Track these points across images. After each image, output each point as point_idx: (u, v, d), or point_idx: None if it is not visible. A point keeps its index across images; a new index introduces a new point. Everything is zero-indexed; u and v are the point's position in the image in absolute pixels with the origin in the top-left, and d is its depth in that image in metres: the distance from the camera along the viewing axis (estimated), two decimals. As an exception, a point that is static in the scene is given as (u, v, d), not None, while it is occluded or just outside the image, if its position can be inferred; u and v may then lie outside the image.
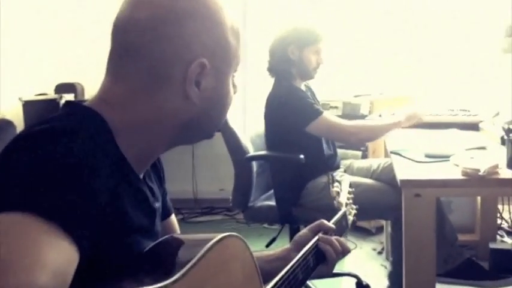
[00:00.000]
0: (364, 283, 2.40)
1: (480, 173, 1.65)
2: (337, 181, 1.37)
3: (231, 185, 2.45)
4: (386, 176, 2.34)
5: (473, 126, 2.57)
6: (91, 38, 3.78)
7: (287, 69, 2.40)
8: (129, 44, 0.80)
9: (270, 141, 2.44)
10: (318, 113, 2.29)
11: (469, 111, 2.79)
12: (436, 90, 3.41)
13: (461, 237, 2.79)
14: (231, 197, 2.46)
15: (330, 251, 1.09)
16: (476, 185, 1.68)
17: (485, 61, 3.31)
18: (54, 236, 0.55)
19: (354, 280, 2.45)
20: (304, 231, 1.16)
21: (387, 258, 2.76)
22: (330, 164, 2.42)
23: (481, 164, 1.69)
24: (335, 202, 1.30)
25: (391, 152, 2.15)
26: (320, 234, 1.11)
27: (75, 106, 0.81)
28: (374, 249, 3.09)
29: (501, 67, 3.24)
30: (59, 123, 0.72)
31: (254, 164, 2.35)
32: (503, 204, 3.02)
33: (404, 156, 2.02)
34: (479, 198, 2.93)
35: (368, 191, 2.20)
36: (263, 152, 2.35)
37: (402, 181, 1.69)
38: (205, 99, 0.82)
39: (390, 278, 2.39)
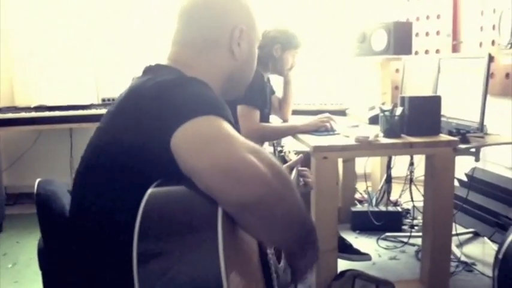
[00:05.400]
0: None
1: (369, 140, 2.21)
2: (281, 146, 1.78)
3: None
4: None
5: (340, 112, 3.20)
6: None
7: (265, 61, 2.67)
8: (191, 18, 1.14)
9: None
10: (253, 103, 2.53)
11: (335, 101, 3.41)
12: (307, 85, 3.99)
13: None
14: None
15: (310, 177, 1.53)
16: (366, 148, 2.22)
17: (343, 62, 4.02)
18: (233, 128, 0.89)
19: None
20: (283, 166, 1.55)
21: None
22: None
23: (368, 133, 2.26)
24: (287, 158, 1.70)
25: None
26: (299, 167, 1.52)
27: (167, 67, 1.11)
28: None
29: (354, 67, 3.99)
30: (185, 76, 1.05)
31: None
32: (357, 181, 3.72)
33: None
34: (341, 175, 3.59)
35: None
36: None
37: (314, 147, 2.17)
38: (243, 57, 1.17)
39: None
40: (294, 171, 1.49)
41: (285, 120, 2.95)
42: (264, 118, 2.69)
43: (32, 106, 3.83)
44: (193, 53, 1.13)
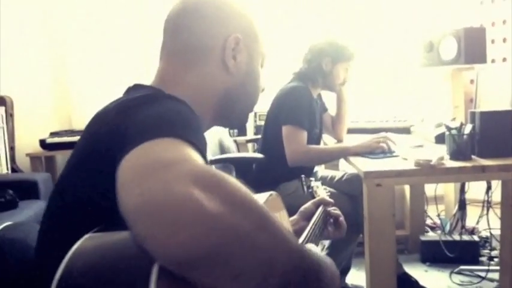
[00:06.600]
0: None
1: (431, 163, 1.90)
2: (310, 180, 1.52)
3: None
4: (346, 187, 2.40)
5: (404, 130, 2.88)
6: (19, 52, 3.74)
7: (314, 77, 2.48)
8: (179, 25, 0.96)
9: (264, 136, 2.54)
10: (300, 124, 2.33)
11: (398, 117, 3.09)
12: (365, 100, 3.70)
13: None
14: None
15: (342, 217, 1.27)
16: (427, 174, 1.91)
17: (408, 74, 3.68)
18: (198, 154, 0.65)
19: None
20: (308, 204, 1.33)
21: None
22: (305, 170, 2.39)
23: (430, 156, 1.95)
24: (315, 194, 1.44)
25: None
26: (326, 207, 1.28)
27: (145, 86, 0.94)
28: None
29: (421, 79, 3.64)
30: (155, 93, 0.85)
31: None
32: (427, 204, 3.35)
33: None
34: (408, 198, 3.25)
35: None
36: (227, 155, 2.45)
37: (365, 173, 1.89)
38: (241, 72, 0.96)
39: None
40: (320, 209, 1.26)
41: (339, 140, 2.68)
42: (313, 139, 2.43)
43: (89, 129, 3.81)
44: (180, 67, 0.94)
